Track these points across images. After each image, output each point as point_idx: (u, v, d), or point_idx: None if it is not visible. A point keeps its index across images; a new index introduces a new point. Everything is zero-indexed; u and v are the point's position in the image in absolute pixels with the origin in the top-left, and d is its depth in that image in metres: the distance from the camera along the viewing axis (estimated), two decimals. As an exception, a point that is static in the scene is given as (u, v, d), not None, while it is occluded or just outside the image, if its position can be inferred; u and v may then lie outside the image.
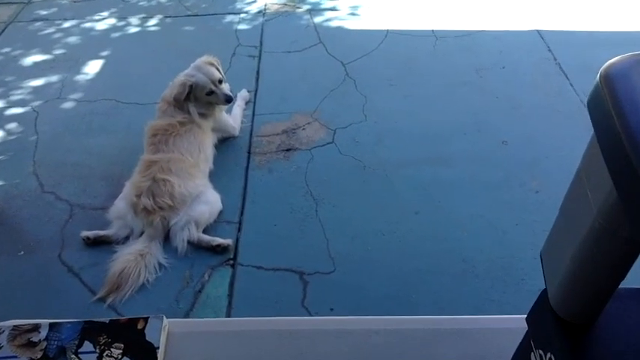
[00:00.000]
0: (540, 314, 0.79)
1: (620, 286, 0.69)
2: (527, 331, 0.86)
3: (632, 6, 4.03)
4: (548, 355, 0.75)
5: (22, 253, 2.38)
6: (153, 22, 4.08)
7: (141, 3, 4.36)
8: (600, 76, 0.55)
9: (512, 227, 2.40)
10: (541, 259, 0.78)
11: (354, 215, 2.49)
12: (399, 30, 3.80)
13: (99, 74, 3.53)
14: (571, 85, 3.22)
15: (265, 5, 4.20)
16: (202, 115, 2.71)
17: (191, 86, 2.63)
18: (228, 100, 2.73)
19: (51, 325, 1.11)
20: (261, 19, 4.01)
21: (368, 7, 4.13)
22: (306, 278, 2.22)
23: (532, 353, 0.81)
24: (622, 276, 0.66)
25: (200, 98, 2.68)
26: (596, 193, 0.60)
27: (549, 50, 3.54)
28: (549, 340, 0.76)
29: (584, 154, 0.65)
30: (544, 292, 0.77)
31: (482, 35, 3.72)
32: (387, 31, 3.79)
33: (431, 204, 2.53)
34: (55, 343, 1.07)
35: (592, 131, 0.59)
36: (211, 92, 2.67)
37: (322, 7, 4.16)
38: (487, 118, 3.02)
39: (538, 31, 3.73)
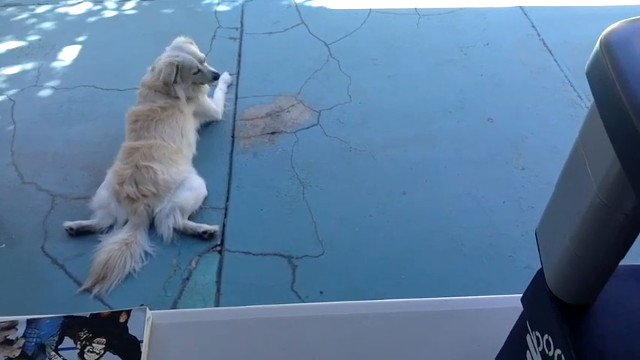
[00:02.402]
0: (536, 295, 0.77)
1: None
2: (522, 312, 0.84)
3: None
4: (545, 337, 0.73)
5: (4, 246, 2.33)
6: (130, 5, 3.98)
7: (117, -14, 4.25)
8: (600, 43, 0.52)
9: (499, 205, 2.40)
10: (536, 238, 0.76)
11: (341, 197, 2.47)
12: (381, 9, 3.74)
13: (76, 60, 3.44)
14: (555, 60, 3.21)
15: (245, -14, 4.12)
16: (187, 98, 2.65)
17: (177, 66, 2.57)
18: (216, 77, 2.71)
19: (29, 321, 1.07)
20: (241, 0, 3.93)
21: (349, -14, 4.06)
22: (295, 262, 2.20)
23: (528, 335, 0.79)
24: (622, 254, 0.64)
25: (186, 78, 2.63)
26: (597, 168, 0.57)
27: (533, 26, 3.51)
28: (546, 322, 0.74)
29: (582, 128, 0.62)
30: (540, 272, 0.75)
31: (465, 12, 3.69)
32: (370, 10, 3.73)
33: (418, 183, 2.51)
34: (34, 340, 1.03)
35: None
36: (198, 71, 2.63)
37: (303, -14, 4.08)
38: (472, 96, 3.00)
39: (521, 7, 3.70)
